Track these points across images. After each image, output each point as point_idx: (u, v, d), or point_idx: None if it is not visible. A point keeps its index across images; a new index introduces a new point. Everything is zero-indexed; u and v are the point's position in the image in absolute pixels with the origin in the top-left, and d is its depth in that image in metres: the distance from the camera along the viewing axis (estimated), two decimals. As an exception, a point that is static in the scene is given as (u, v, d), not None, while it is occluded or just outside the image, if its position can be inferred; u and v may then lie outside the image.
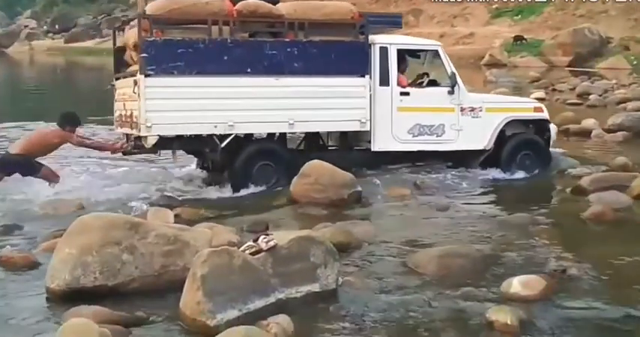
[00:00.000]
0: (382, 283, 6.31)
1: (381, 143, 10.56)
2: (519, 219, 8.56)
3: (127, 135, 10.52)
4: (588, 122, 15.34)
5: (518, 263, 6.89)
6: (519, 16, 35.67)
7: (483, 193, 10.19)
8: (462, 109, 10.86)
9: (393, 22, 11.35)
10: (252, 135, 10.23)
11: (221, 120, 9.71)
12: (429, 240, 7.72)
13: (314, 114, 10.14)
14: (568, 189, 9.94)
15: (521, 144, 11.09)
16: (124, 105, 10.25)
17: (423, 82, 11.05)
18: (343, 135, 10.96)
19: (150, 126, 9.47)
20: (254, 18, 10.04)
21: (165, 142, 9.83)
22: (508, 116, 11.12)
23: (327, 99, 10.13)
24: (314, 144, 10.98)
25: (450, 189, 10.26)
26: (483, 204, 9.59)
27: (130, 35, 10.10)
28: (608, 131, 14.70)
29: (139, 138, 9.80)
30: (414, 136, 10.69)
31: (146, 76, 9.43)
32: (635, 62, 29.66)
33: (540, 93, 20.78)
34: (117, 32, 11.22)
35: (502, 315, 5.42)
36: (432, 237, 7.82)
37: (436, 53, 10.99)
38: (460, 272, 6.58)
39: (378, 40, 10.60)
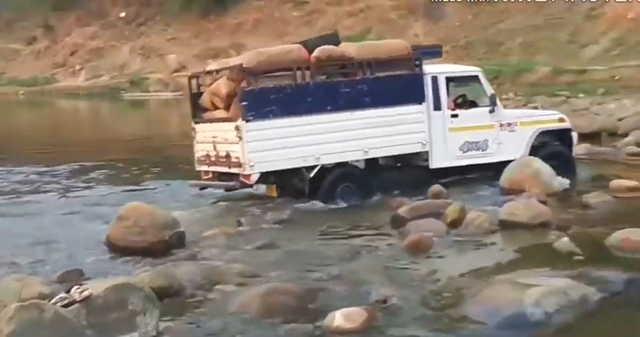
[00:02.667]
0: (205, 327, 6.16)
1: (437, 161, 11.95)
2: (342, 251, 8.68)
3: (218, 173, 11.78)
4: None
5: (341, 296, 6.93)
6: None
7: (305, 225, 10.24)
8: (501, 125, 12.36)
9: (436, 53, 12.84)
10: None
11: (309, 154, 11.11)
12: (254, 278, 7.63)
13: (384, 140, 11.55)
14: (388, 219, 10.15)
15: (549, 154, 12.25)
16: (215, 146, 11.52)
17: (465, 103, 12.48)
18: (402, 155, 11.99)
19: (253, 165, 10.87)
20: (330, 62, 11.46)
21: (264, 177, 11.16)
22: (539, 128, 12.63)
23: (393, 126, 11.56)
24: (373, 165, 12.03)
25: (273, 221, 10.25)
26: (306, 236, 9.60)
27: (222, 85, 11.40)
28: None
29: (237, 175, 11.17)
30: (463, 152, 12.16)
31: (247, 121, 10.77)
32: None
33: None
34: (192, 79, 12.37)
35: (325, 351, 5.41)
36: (257, 275, 7.73)
37: (477, 78, 12.52)
38: (284, 310, 6.53)
39: (429, 70, 12.01)
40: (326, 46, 11.50)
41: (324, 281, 7.50)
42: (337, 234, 9.68)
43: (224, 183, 11.71)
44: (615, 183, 11.65)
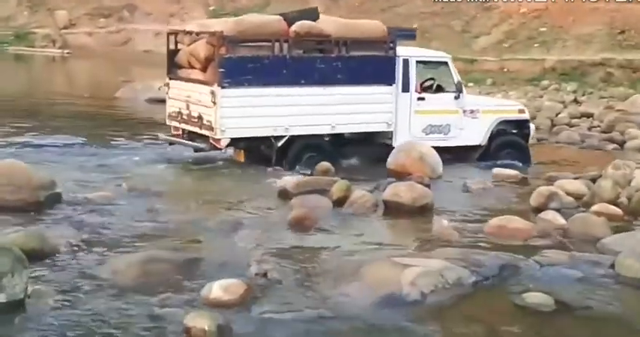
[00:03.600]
0: (76, 292, 5.95)
1: (400, 140, 12.21)
2: (225, 222, 8.55)
3: (187, 131, 11.98)
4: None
5: (220, 268, 6.85)
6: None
7: (188, 195, 10.06)
8: (464, 111, 12.80)
9: (411, 36, 13.38)
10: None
11: (280, 124, 11.47)
12: (131, 245, 7.43)
13: (352, 117, 11.94)
14: (275, 193, 10.08)
15: (505, 143, 13.05)
16: (188, 106, 11.76)
17: (432, 87, 12.85)
18: (368, 132, 12.36)
19: (224, 130, 11.19)
20: (308, 37, 11.69)
21: (234, 142, 11.53)
22: (499, 117, 13.14)
23: (362, 105, 11.94)
24: (338, 138, 12.25)
25: (161, 194, 10.00)
26: (189, 205, 9.42)
27: (201, 48, 11.54)
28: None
29: (207, 137, 11.44)
30: (426, 134, 12.50)
31: (223, 87, 11.06)
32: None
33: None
34: (170, 36, 12.56)
35: (200, 321, 5.33)
36: (134, 243, 7.54)
37: (446, 64, 12.91)
38: (161, 278, 6.41)
39: (401, 53, 12.34)
40: (306, 21, 11.71)
41: (205, 251, 7.40)
42: (222, 204, 9.53)
43: (194, 143, 11.93)
44: (497, 170, 11.97)
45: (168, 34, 12.73)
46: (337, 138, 12.25)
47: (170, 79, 12.37)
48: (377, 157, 11.99)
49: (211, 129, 11.33)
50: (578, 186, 10.59)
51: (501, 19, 31.04)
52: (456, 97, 12.80)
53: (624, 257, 7.33)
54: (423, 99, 12.59)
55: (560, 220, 8.94)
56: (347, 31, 12.13)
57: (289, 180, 10.23)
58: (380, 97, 12.17)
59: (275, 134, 11.56)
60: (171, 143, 12.54)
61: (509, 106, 14.07)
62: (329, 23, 12.18)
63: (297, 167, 11.55)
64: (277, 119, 11.47)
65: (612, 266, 7.40)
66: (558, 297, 6.55)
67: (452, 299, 6.53)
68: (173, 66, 12.31)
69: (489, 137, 13.04)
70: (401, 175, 10.89)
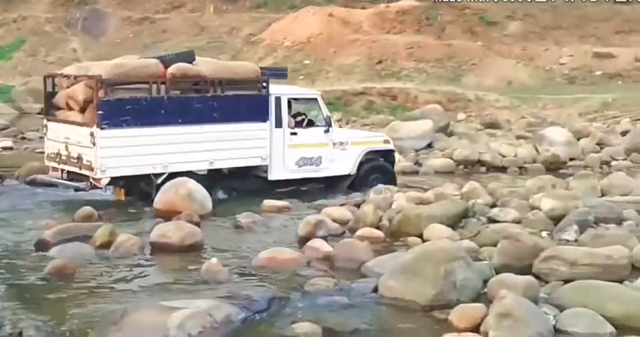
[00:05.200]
0: None
1: (275, 173, 13.10)
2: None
3: (67, 171, 12.30)
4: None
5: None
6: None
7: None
8: (334, 144, 13.62)
9: (281, 75, 14.00)
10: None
11: (159, 162, 11.87)
12: None
13: (229, 153, 12.51)
14: (32, 243, 9.46)
15: (372, 168, 13.87)
16: (67, 147, 12.07)
17: (303, 121, 13.63)
18: (245, 166, 12.97)
19: (104, 170, 11.52)
20: (184, 79, 12.25)
21: (114, 181, 11.86)
22: (367, 148, 14.05)
23: (238, 141, 12.55)
24: (216, 173, 12.71)
25: None
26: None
27: (79, 91, 11.88)
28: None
29: (87, 176, 11.76)
30: (299, 167, 13.32)
31: (101, 129, 11.37)
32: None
33: (8, 142, 19.83)
34: (47, 79, 12.86)
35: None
36: None
37: (316, 100, 13.77)
38: None
39: (273, 91, 13.03)
40: (182, 64, 12.21)
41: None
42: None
43: (74, 183, 12.19)
44: (266, 202, 12.06)
45: (45, 77, 13.05)
46: (215, 173, 12.74)
47: (48, 120, 12.67)
48: (253, 189, 12.80)
49: (91, 169, 11.66)
50: (344, 212, 10.91)
51: (266, 53, 31.79)
52: (326, 131, 13.61)
53: (385, 279, 7.60)
54: (295, 134, 13.35)
55: (327, 247, 9.13)
56: (222, 72, 12.79)
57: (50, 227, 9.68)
58: (255, 133, 12.83)
59: (155, 172, 11.96)
60: (49, 185, 12.73)
61: (375, 137, 15.05)
62: (205, 65, 12.76)
63: None
64: (156, 157, 11.87)
65: (375, 288, 7.64)
66: (325, 324, 6.66)
67: (222, 339, 6.43)
68: (51, 107, 12.59)
69: (359, 165, 13.89)
70: (169, 214, 10.66)
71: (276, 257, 8.75)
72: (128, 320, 6.44)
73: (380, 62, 30.72)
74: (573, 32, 32.15)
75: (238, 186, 12.96)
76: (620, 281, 7.56)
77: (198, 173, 12.38)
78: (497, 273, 7.76)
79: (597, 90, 27.43)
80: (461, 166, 17.88)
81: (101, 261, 8.76)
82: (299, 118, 13.72)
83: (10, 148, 19.18)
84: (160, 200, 11.23)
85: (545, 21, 32.93)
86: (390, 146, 14.66)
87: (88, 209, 10.67)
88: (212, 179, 12.55)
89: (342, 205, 11.54)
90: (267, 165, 13.03)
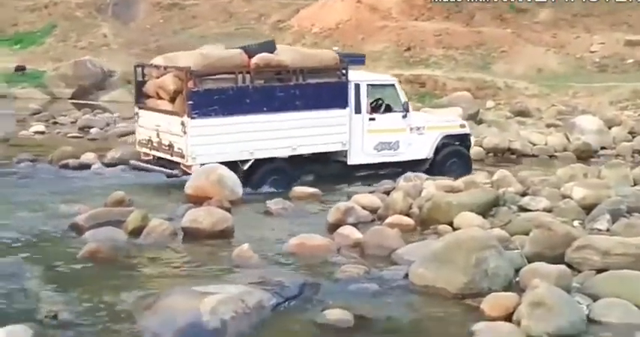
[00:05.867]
0: None
1: (354, 158, 13.47)
2: (14, 263, 8.01)
3: (157, 157, 12.84)
4: (88, 156, 15.11)
5: (6, 313, 6.39)
6: (19, 45, 34.57)
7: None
8: (411, 129, 13.84)
9: (360, 62, 14.27)
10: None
11: (245, 149, 12.40)
12: None
13: (310, 139, 12.92)
14: (65, 227, 9.58)
15: (449, 153, 14.15)
16: (158, 134, 12.58)
17: (380, 107, 13.92)
18: (325, 152, 13.35)
19: (194, 158, 12.03)
20: (267, 68, 12.64)
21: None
22: (443, 132, 14.27)
23: (319, 127, 12.90)
24: (298, 158, 13.08)
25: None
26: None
27: (169, 81, 12.42)
28: (108, 165, 14.69)
29: (178, 163, 12.29)
30: (378, 151, 13.66)
31: (192, 118, 11.91)
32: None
33: (40, 127, 20.02)
34: (137, 68, 13.37)
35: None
36: None
37: (393, 86, 14.05)
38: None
39: (352, 78, 13.31)
40: (265, 54, 12.64)
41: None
42: (11, 242, 8.93)
43: (166, 170, 12.63)
44: (297, 189, 12.09)
45: (136, 66, 13.54)
46: (297, 159, 13.09)
47: (139, 108, 13.10)
48: (333, 174, 13.25)
49: (182, 156, 12.18)
50: (373, 199, 10.89)
51: (295, 39, 31.69)
52: (404, 116, 13.87)
53: (416, 266, 7.61)
54: (373, 119, 13.63)
55: (357, 234, 9.14)
56: (303, 60, 13.15)
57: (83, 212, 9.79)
58: (335, 120, 13.16)
59: (241, 158, 12.42)
60: (139, 169, 13.20)
61: (452, 122, 15.20)
62: (286, 54, 13.17)
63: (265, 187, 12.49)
64: (242, 144, 12.35)
65: (406, 276, 7.65)
66: (356, 312, 6.68)
67: (253, 324, 6.48)
68: (141, 96, 13.04)
69: (436, 149, 14.12)
70: (200, 200, 10.71)
71: (305, 244, 8.79)
72: (161, 305, 6.52)
73: (408, 49, 30.52)
74: (604, 19, 31.70)
75: (319, 170, 13.32)
76: (654, 272, 7.50)
77: (282, 159, 12.87)
78: (529, 262, 7.74)
79: (629, 78, 27.06)
80: (490, 154, 17.77)
81: (133, 246, 8.85)
82: (377, 104, 14.02)
83: (42, 133, 19.25)
84: (191, 185, 11.30)
85: (575, 8, 32.49)
86: (467, 130, 14.91)
87: (119, 194, 10.71)
88: (294, 164, 13.01)
89: (371, 192, 11.54)
90: (346, 151, 13.38)
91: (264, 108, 12.53)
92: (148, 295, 6.91)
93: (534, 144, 18.13)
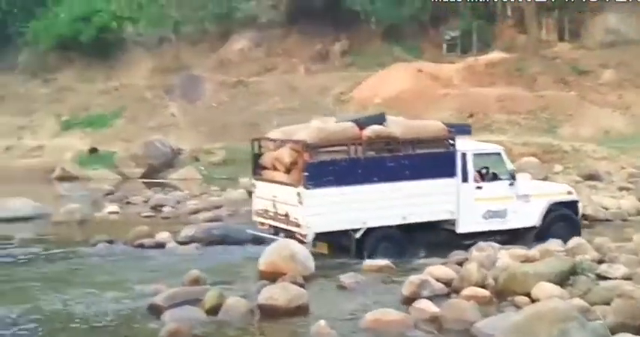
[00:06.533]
0: None
1: (463, 226, 13.48)
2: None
3: (274, 227, 13.34)
4: (162, 235, 15.35)
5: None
6: (90, 127, 35.63)
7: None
8: (518, 196, 13.88)
9: (466, 131, 14.59)
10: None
11: (358, 218, 12.71)
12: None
13: (420, 208, 13.06)
14: (144, 307, 9.74)
15: (558, 220, 14.05)
16: (274, 204, 13.16)
17: (487, 175, 14.10)
18: (434, 220, 13.41)
19: (310, 227, 12.45)
20: (378, 140, 13.01)
21: (318, 236, 12.71)
22: (550, 200, 14.24)
23: (429, 196, 13.09)
24: (408, 227, 13.17)
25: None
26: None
27: (285, 153, 12.99)
28: (182, 243, 14.88)
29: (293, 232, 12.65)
30: (486, 219, 13.67)
31: (307, 189, 12.41)
32: (204, 172, 31.21)
33: (114, 207, 20.48)
34: (254, 142, 14.08)
35: None
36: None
37: (499, 154, 14.20)
38: None
39: (458, 147, 13.51)
40: (375, 126, 13.10)
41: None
42: (92, 323, 9.10)
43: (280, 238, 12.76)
44: (368, 262, 12.09)
45: (253, 140, 14.22)
46: (407, 227, 13.20)
47: (256, 179, 13.81)
48: (441, 242, 13.23)
49: (298, 225, 12.62)
50: (447, 271, 10.81)
51: (357, 110, 31.97)
52: (511, 184, 13.98)
53: (498, 340, 7.50)
54: (480, 188, 13.78)
55: (434, 308, 9.08)
56: (412, 131, 13.46)
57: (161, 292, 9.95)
58: (443, 189, 13.36)
59: (354, 227, 12.73)
60: (258, 238, 13.65)
61: (559, 188, 15.35)
62: (396, 125, 13.49)
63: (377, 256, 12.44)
64: (355, 213, 12.66)
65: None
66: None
67: None
68: (258, 168, 13.73)
69: (545, 213, 14.05)
70: (273, 276, 10.80)
71: (382, 319, 8.77)
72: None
73: (471, 115, 30.53)
74: (669, 78, 31.37)
75: (429, 239, 13.37)
76: None
77: (392, 228, 13.03)
78: (612, 333, 7.57)
79: (699, 137, 26.56)
80: (562, 220, 17.49)
81: (212, 324, 8.94)
82: (483, 172, 14.17)
83: (117, 213, 19.71)
84: (264, 261, 11.41)
85: (639, 67, 32.26)
86: (574, 197, 14.88)
87: (195, 272, 10.88)
88: (405, 232, 13.13)
89: (443, 264, 11.46)
90: (455, 219, 13.47)
91: (376, 179, 12.86)
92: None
93: (607, 209, 17.80)
